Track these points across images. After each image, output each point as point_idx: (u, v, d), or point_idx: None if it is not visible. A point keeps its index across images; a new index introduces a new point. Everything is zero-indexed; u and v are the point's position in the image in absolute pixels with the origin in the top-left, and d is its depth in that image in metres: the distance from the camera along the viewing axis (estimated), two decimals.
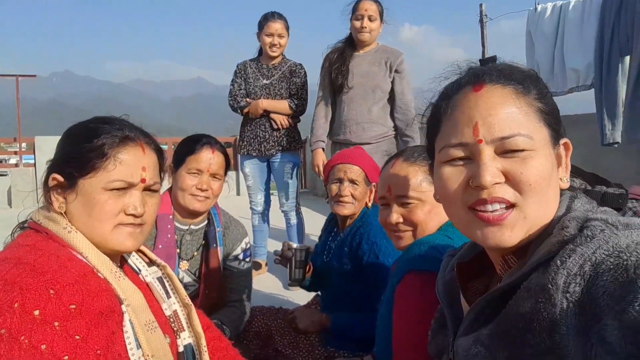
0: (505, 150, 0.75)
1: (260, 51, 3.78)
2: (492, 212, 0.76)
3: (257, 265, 3.84)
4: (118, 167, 1.06)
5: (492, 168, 0.75)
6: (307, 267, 2.10)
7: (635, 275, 0.58)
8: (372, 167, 2.09)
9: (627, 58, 4.04)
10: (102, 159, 1.05)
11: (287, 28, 3.66)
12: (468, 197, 0.78)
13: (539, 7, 4.90)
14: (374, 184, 2.07)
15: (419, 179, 1.35)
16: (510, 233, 0.75)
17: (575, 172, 0.90)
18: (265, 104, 3.60)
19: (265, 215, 3.95)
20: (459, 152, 0.79)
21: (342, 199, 2.00)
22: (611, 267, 0.61)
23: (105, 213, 1.05)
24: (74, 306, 0.90)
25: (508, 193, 0.75)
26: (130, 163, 1.08)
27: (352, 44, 3.32)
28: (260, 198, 3.85)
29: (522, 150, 0.75)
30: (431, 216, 1.35)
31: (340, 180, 2.02)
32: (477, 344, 0.77)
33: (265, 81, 3.67)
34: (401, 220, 1.38)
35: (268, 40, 3.59)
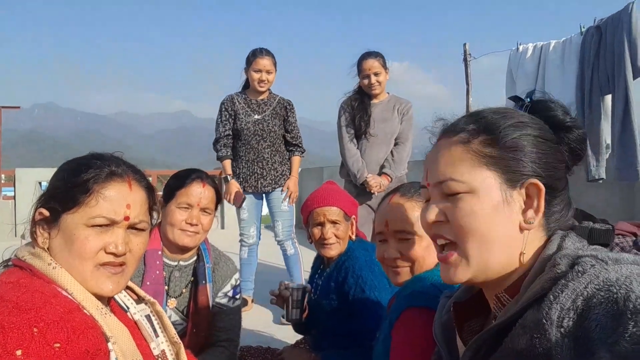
0: (445, 194, 0.83)
1: (246, 85, 3.81)
2: (442, 253, 0.85)
3: (244, 302, 3.75)
4: (101, 203, 1.03)
5: (433, 207, 0.85)
6: (304, 307, 2.06)
7: (625, 307, 0.60)
8: (348, 202, 2.12)
9: (608, 97, 4.17)
10: (86, 194, 1.03)
11: (275, 64, 3.72)
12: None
13: (521, 48, 5.05)
14: (353, 217, 2.12)
15: (416, 215, 1.35)
16: (455, 271, 0.82)
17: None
18: (292, 184, 3.75)
19: (255, 249, 3.89)
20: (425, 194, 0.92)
21: (327, 242, 2.02)
22: (602, 300, 0.62)
23: (84, 250, 1.01)
24: (58, 345, 0.85)
25: (448, 233, 0.83)
26: (114, 199, 1.05)
27: (366, 94, 3.58)
28: (253, 231, 3.80)
29: (457, 194, 0.81)
30: (429, 251, 1.34)
31: (322, 224, 2.03)
32: None
33: (257, 116, 3.69)
34: (399, 255, 1.37)
35: (256, 76, 3.64)
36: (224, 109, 3.73)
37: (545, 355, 0.65)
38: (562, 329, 0.64)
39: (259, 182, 3.67)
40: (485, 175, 0.80)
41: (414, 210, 1.36)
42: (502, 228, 0.80)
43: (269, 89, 3.79)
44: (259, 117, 3.69)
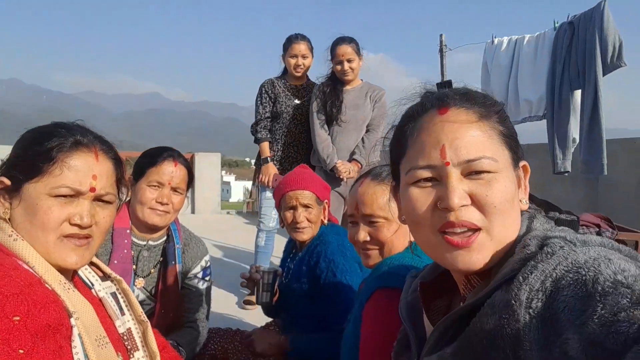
0: (470, 172, 0.77)
1: (284, 72, 3.84)
2: (459, 234, 0.76)
3: (249, 301, 3.57)
4: (65, 173, 0.99)
5: (459, 190, 0.76)
6: (275, 291, 2.05)
7: (593, 289, 0.60)
8: (321, 186, 2.12)
9: (577, 92, 4.27)
10: (49, 162, 0.99)
11: (311, 49, 3.74)
12: (436, 219, 0.79)
13: (496, 40, 5.12)
14: (325, 201, 2.11)
15: (385, 199, 1.36)
16: (478, 256, 0.77)
17: (529, 199, 0.92)
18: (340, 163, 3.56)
19: (273, 235, 3.83)
20: (426, 174, 0.80)
21: (299, 226, 2.02)
22: (571, 282, 0.62)
23: (47, 221, 0.97)
24: (17, 318, 0.82)
25: (474, 216, 0.76)
26: (80, 169, 1.01)
27: (339, 80, 3.54)
28: (274, 213, 3.69)
29: (487, 172, 0.76)
30: (397, 235, 1.36)
31: (294, 208, 2.03)
32: None
33: (297, 101, 3.72)
34: (368, 238, 1.38)
35: (293, 61, 3.67)
36: (264, 92, 3.73)
37: (513, 336, 0.65)
38: (530, 310, 0.64)
39: (293, 165, 3.59)
40: (507, 154, 0.80)
41: (384, 194, 1.37)
42: (517, 209, 0.80)
43: (306, 75, 3.82)
44: (299, 102, 3.71)
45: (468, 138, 0.77)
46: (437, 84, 0.93)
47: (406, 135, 0.85)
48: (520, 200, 0.82)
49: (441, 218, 0.78)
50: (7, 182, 1.00)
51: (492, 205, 0.75)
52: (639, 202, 4.57)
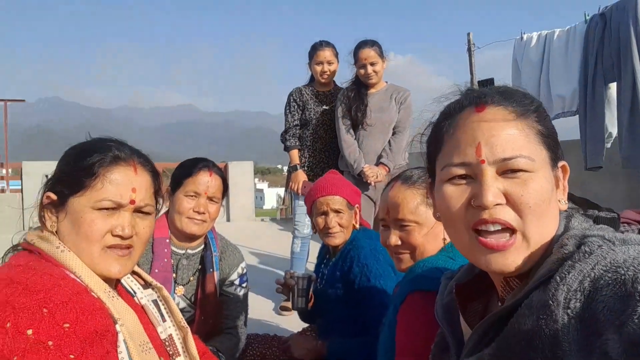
0: (506, 171, 0.76)
1: (311, 79, 3.89)
2: (494, 235, 0.76)
3: (285, 307, 3.62)
4: (107, 186, 1.05)
5: (494, 188, 0.75)
6: (310, 296, 2.07)
7: (633, 289, 0.59)
8: (351, 191, 2.12)
9: (612, 85, 4.14)
10: (92, 177, 1.04)
11: (336, 55, 3.77)
12: (470, 216, 0.78)
13: (525, 37, 5.02)
14: (356, 205, 2.11)
15: (415, 203, 1.36)
16: (513, 258, 0.76)
17: (568, 197, 0.90)
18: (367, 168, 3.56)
19: (308, 241, 3.87)
20: (461, 171, 0.80)
21: (331, 231, 2.02)
22: (609, 282, 0.61)
23: (91, 233, 1.03)
24: (67, 325, 0.87)
25: (509, 215, 0.75)
26: (120, 183, 1.06)
27: (363, 83, 3.52)
28: (309, 220, 3.78)
29: (523, 171, 0.76)
30: (428, 239, 1.36)
31: (325, 213, 2.04)
32: None
33: (325, 107, 3.76)
34: (399, 242, 1.38)
35: (318, 68, 3.71)
36: (292, 100, 3.79)
37: (551, 336, 0.64)
38: (568, 311, 0.63)
39: (324, 171, 3.68)
40: (544, 153, 0.79)
41: (414, 198, 1.36)
42: (555, 209, 0.79)
43: (333, 81, 3.86)
44: (327, 107, 3.75)
45: (504, 136, 0.77)
46: (479, 82, 0.94)
47: (442, 132, 0.85)
48: (559, 201, 0.81)
49: (475, 215, 0.77)
50: (54, 197, 1.06)
51: (527, 205, 0.74)
52: None
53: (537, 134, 0.79)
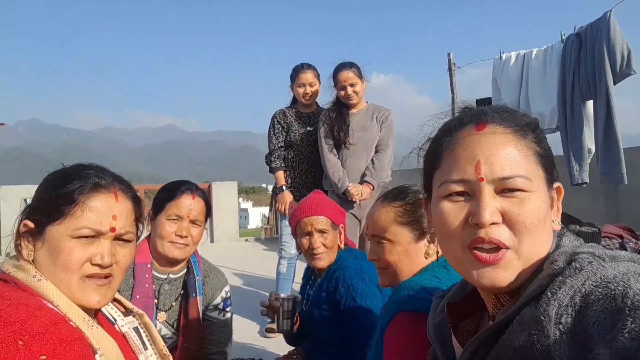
0: (503, 190, 0.77)
1: (294, 101, 3.92)
2: (487, 251, 0.76)
3: (271, 328, 3.55)
4: (86, 214, 1.03)
5: (491, 207, 0.76)
6: (295, 318, 2.04)
7: (622, 303, 0.59)
8: (335, 211, 2.12)
9: (589, 103, 4.24)
10: (71, 205, 1.02)
11: (318, 76, 3.81)
12: (467, 235, 0.79)
13: (504, 56, 5.14)
14: (341, 225, 2.11)
15: (388, 221, 1.39)
16: (505, 273, 0.76)
17: None
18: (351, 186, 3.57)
19: (294, 262, 3.85)
20: (459, 188, 0.80)
21: (316, 252, 2.02)
22: (600, 297, 0.62)
23: (70, 262, 1.00)
24: (44, 357, 0.84)
25: (504, 235, 0.76)
26: (100, 210, 1.05)
27: (344, 104, 3.58)
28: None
29: (520, 191, 0.76)
30: (401, 257, 1.37)
31: (310, 233, 2.03)
32: None
33: (309, 128, 3.78)
34: (376, 258, 1.42)
35: (300, 90, 3.74)
36: (276, 122, 3.80)
37: (543, 352, 0.64)
38: (560, 326, 0.63)
39: (310, 191, 3.67)
40: (541, 174, 0.80)
41: (387, 216, 1.39)
42: (549, 229, 0.80)
43: (316, 102, 3.89)
44: (311, 128, 3.78)
45: (504, 155, 0.77)
46: (477, 101, 0.93)
47: (442, 148, 0.85)
48: (553, 221, 0.81)
49: (471, 234, 0.78)
50: (31, 225, 1.04)
51: (522, 225, 0.75)
52: None
53: (535, 155, 0.79)
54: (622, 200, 4.83)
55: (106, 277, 1.05)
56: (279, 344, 3.15)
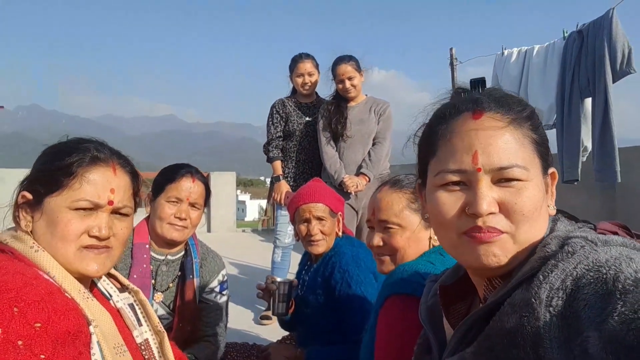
0: (500, 179, 0.77)
1: (293, 91, 3.92)
2: (483, 231, 0.77)
3: (266, 315, 3.60)
4: (85, 187, 1.03)
5: (489, 197, 0.76)
6: (290, 302, 2.05)
7: (614, 287, 0.60)
8: (334, 199, 2.12)
9: (588, 100, 4.25)
10: (70, 177, 1.03)
11: (317, 66, 3.81)
12: (463, 223, 0.79)
13: (506, 52, 5.16)
14: (339, 213, 2.12)
15: (400, 206, 1.38)
16: (499, 251, 0.76)
17: None
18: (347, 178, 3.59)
19: (289, 251, 3.87)
20: (455, 178, 0.80)
21: (313, 238, 2.02)
22: (591, 280, 0.62)
23: (67, 233, 1.01)
24: (39, 325, 0.85)
25: (501, 223, 0.76)
26: (98, 183, 1.05)
27: (343, 97, 3.61)
28: (291, 230, 3.74)
29: (518, 180, 0.76)
30: (410, 243, 1.38)
31: (308, 220, 2.04)
32: None
33: (308, 118, 3.78)
34: (382, 244, 1.41)
35: (299, 80, 3.75)
36: (275, 112, 3.79)
37: (534, 334, 0.65)
38: (551, 309, 0.64)
39: (307, 181, 3.69)
40: (537, 162, 0.80)
41: (400, 201, 1.39)
42: (545, 214, 0.80)
43: (315, 92, 3.89)
44: (310, 119, 3.77)
45: (501, 145, 0.77)
46: (471, 81, 0.92)
47: (437, 136, 0.84)
48: (548, 206, 0.82)
49: (468, 222, 0.78)
50: (29, 196, 1.04)
51: (520, 214, 0.76)
52: None
53: (531, 142, 0.79)
54: (618, 199, 4.85)
55: (104, 247, 1.06)
56: (273, 331, 3.17)
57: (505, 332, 0.68)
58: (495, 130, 0.78)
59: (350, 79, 3.50)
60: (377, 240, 1.41)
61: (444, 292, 0.94)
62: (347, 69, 3.49)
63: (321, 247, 2.04)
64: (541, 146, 0.81)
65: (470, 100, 0.83)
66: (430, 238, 1.40)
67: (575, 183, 4.33)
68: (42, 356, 0.83)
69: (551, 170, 0.84)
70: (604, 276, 0.62)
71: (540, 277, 0.67)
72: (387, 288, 1.27)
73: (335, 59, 3.56)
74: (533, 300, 0.66)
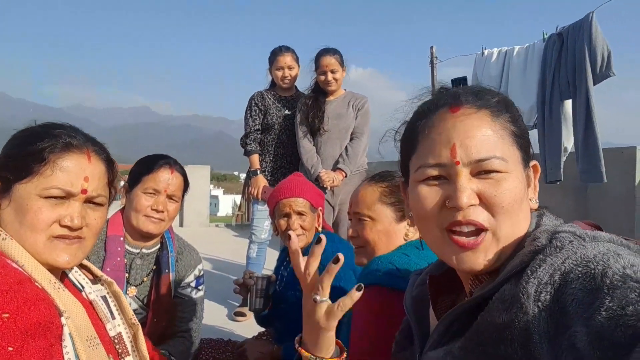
0: (479, 172, 0.77)
1: (272, 84, 3.86)
2: (466, 235, 0.77)
3: (241, 312, 3.56)
4: (57, 174, 0.98)
5: (468, 190, 0.76)
6: (268, 298, 2.02)
7: (601, 282, 0.60)
8: (315, 194, 2.11)
9: (568, 102, 4.31)
10: (41, 163, 0.98)
11: (297, 60, 3.76)
12: (444, 217, 0.79)
13: (486, 52, 5.20)
14: (319, 208, 2.11)
15: (373, 199, 1.42)
16: (484, 257, 0.77)
17: None
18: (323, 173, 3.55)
19: (265, 247, 3.82)
20: (435, 172, 0.80)
21: None
22: (579, 275, 0.63)
23: (37, 222, 0.96)
24: (7, 315, 0.80)
25: (482, 216, 0.76)
26: (72, 171, 1.00)
27: (322, 91, 3.59)
28: (267, 225, 3.71)
29: (497, 172, 0.76)
30: (380, 236, 1.41)
31: (288, 215, 2.02)
32: (448, 357, 0.76)
33: (287, 112, 3.73)
34: (356, 235, 1.46)
35: (279, 73, 3.70)
36: (253, 104, 3.72)
37: (522, 328, 0.65)
38: (539, 303, 0.64)
39: (285, 176, 3.65)
40: (517, 154, 0.80)
41: (373, 194, 1.43)
42: (526, 208, 0.80)
43: (295, 87, 3.85)
44: (289, 112, 3.72)
45: (479, 137, 0.77)
46: (452, 80, 0.94)
47: (417, 132, 0.84)
48: (530, 199, 0.82)
49: (449, 216, 0.78)
50: None
51: (500, 206, 0.76)
52: (627, 210, 4.61)
53: (510, 135, 0.79)
54: (590, 199, 4.97)
55: (76, 237, 1.01)
56: (247, 327, 3.15)
57: (494, 327, 0.68)
58: (473, 122, 0.78)
59: (333, 71, 3.49)
60: (351, 231, 1.46)
61: (432, 283, 0.94)
62: (331, 60, 3.48)
63: (301, 242, 2.01)
64: (521, 138, 0.81)
65: (449, 95, 0.84)
66: (405, 234, 1.42)
67: (558, 183, 4.39)
68: (10, 348, 0.78)
69: (532, 162, 0.84)
70: (592, 271, 0.62)
71: (529, 272, 0.67)
72: (361, 278, 1.29)
73: (320, 50, 3.55)
74: (521, 295, 0.66)
